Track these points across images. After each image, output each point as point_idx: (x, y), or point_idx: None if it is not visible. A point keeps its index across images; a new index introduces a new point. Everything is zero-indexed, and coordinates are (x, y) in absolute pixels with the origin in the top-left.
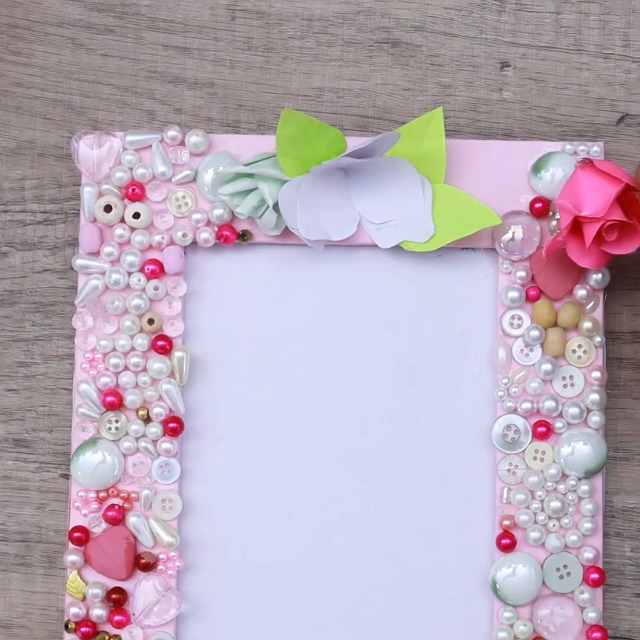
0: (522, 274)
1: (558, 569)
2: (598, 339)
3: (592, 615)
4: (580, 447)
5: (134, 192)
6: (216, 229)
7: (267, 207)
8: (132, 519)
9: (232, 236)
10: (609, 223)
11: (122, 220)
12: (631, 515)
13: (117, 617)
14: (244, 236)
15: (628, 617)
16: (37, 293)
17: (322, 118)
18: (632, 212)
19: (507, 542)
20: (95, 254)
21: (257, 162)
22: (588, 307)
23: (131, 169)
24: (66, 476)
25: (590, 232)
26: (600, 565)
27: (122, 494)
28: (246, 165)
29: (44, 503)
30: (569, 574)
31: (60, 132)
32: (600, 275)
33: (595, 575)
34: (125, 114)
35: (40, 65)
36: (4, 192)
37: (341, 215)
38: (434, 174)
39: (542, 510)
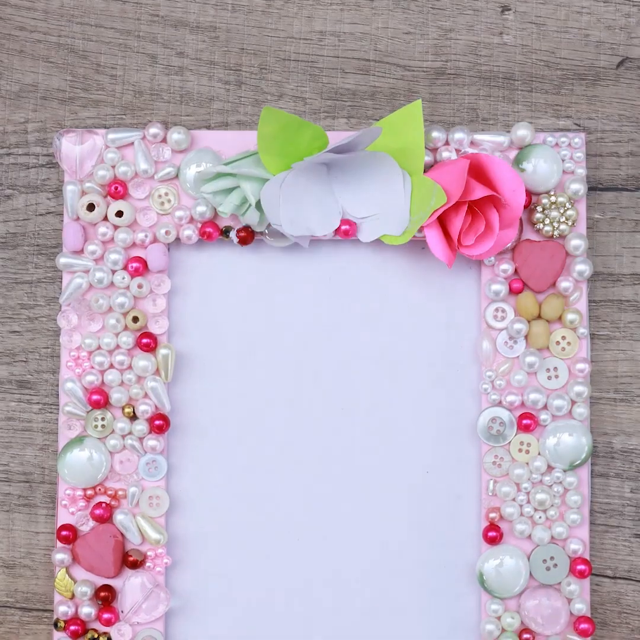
0: (505, 266)
1: (545, 561)
2: (582, 330)
3: (579, 607)
4: (565, 439)
5: (117, 190)
6: (199, 225)
7: (250, 205)
8: (119, 517)
9: (215, 233)
10: (468, 226)
11: (105, 219)
12: (631, 456)
13: (105, 615)
14: (227, 233)
15: (628, 558)
16: (40, 235)
17: (323, 62)
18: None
19: (493, 535)
20: (79, 252)
21: (238, 160)
22: (571, 298)
23: (113, 167)
24: None
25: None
26: (587, 556)
27: (110, 492)
28: (227, 164)
29: (47, 444)
30: (555, 565)
31: (62, 76)
32: (583, 266)
33: (582, 567)
34: (128, 58)
35: (43, 8)
36: (6, 135)
37: (324, 210)
38: (413, 166)
39: (528, 502)
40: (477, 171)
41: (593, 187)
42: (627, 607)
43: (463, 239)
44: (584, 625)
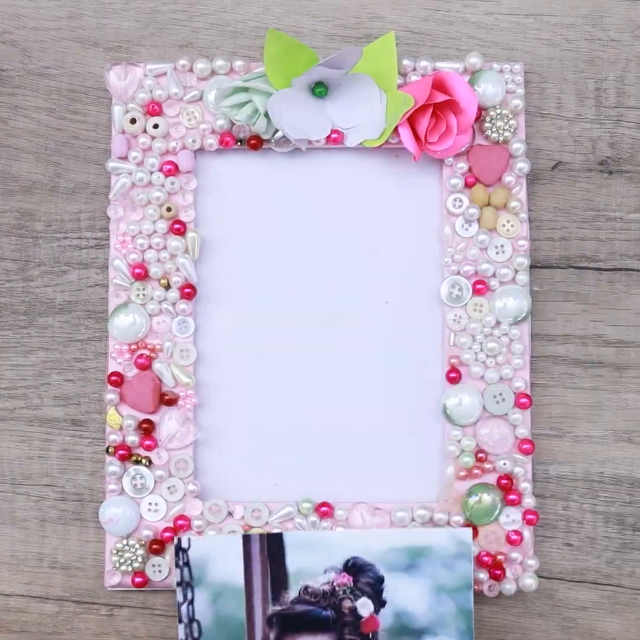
0: (461, 165)
1: (495, 397)
2: (523, 215)
3: (522, 431)
4: (510, 301)
5: (154, 108)
6: (219, 136)
7: (259, 114)
8: (157, 365)
9: (232, 141)
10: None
11: (145, 131)
12: (563, 481)
13: (147, 442)
14: (241, 141)
15: (560, 562)
16: (90, 303)
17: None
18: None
19: (454, 376)
20: (124, 158)
21: (251, 79)
22: (514, 191)
23: (151, 91)
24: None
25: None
26: (528, 392)
27: (149, 346)
28: (242, 81)
29: (95, 471)
30: (503, 400)
31: (108, 175)
32: (523, 164)
33: (524, 400)
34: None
35: (94, 122)
36: (64, 223)
37: (318, 120)
38: (388, 85)
39: (482, 350)
40: (440, 86)
41: (533, 265)
42: (559, 600)
43: (429, 137)
44: (525, 446)
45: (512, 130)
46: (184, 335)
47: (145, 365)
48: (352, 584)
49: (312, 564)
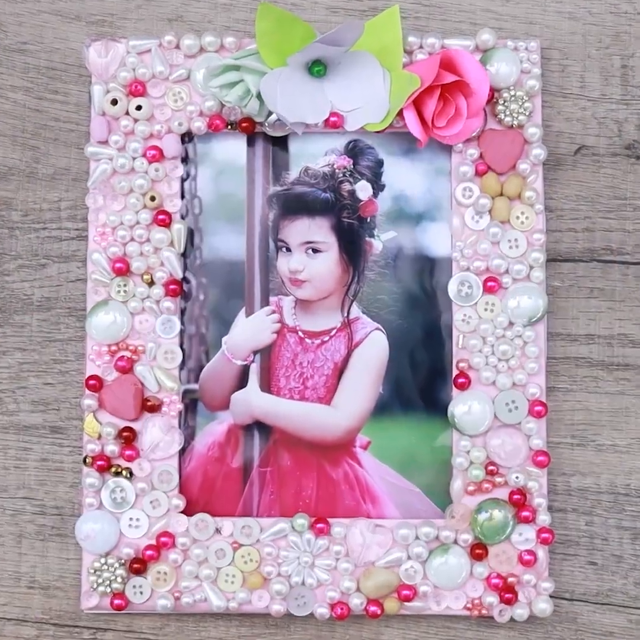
0: (472, 151)
1: (507, 404)
2: (538, 206)
3: (537, 442)
4: (524, 299)
5: (137, 88)
6: (207, 119)
7: (251, 95)
8: (139, 368)
9: (222, 124)
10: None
11: (127, 113)
12: (586, 493)
13: (127, 452)
14: (232, 125)
15: (583, 582)
16: (71, 299)
17: None
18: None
19: (462, 381)
20: (104, 142)
21: (242, 57)
22: (529, 179)
23: (134, 69)
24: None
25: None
26: (543, 399)
27: (131, 347)
28: (233, 59)
29: (76, 482)
30: (516, 407)
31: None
32: (539, 150)
33: (539, 408)
34: None
35: (75, 102)
36: (43, 213)
37: (315, 102)
38: (392, 63)
39: (493, 353)
40: (448, 66)
41: (553, 259)
42: (582, 625)
43: (436, 121)
44: (540, 458)
45: (527, 114)
46: (169, 336)
47: (126, 368)
48: (351, 166)
49: (313, 146)
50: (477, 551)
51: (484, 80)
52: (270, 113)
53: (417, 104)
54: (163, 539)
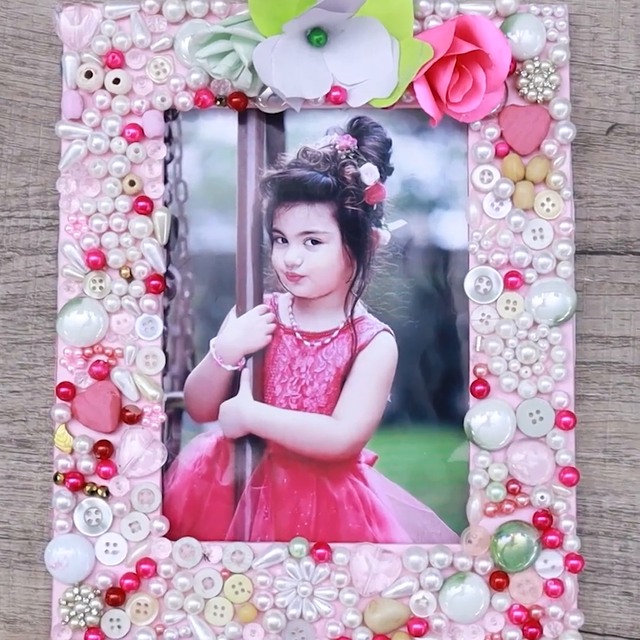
0: (491, 130)
1: (531, 414)
2: (566, 191)
3: (564, 457)
4: (550, 296)
5: (114, 59)
6: (194, 94)
7: (243, 67)
8: (116, 374)
9: (210, 99)
10: (455, 84)
11: (103, 87)
12: (620, 515)
13: (104, 469)
14: (221, 100)
15: (616, 615)
16: (40, 297)
17: None
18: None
19: (481, 389)
20: (77, 120)
21: (233, 24)
22: (556, 162)
23: (111, 38)
24: None
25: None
26: (571, 409)
27: (107, 351)
28: (222, 26)
29: (46, 502)
30: (541, 418)
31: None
32: (567, 129)
33: (567, 419)
34: None
35: (44, 75)
36: (8, 199)
37: (315, 75)
38: (402, 30)
39: (515, 357)
40: (465, 34)
41: (583, 251)
42: None
43: (451, 96)
44: (568, 475)
45: (553, 88)
46: (150, 337)
47: (102, 374)
48: (356, 147)
49: (313, 125)
50: (497, 580)
51: (505, 50)
52: (264, 87)
53: (430, 77)
54: (144, 567)
